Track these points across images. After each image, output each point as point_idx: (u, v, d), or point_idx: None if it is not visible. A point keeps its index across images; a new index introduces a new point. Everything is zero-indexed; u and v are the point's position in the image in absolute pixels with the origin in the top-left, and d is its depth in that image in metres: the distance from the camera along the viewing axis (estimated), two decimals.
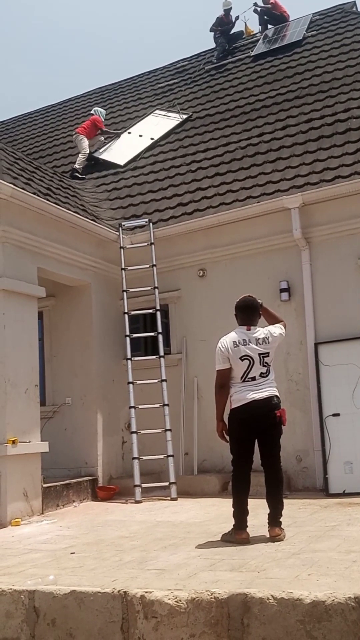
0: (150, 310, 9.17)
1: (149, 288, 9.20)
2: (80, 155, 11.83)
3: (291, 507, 6.48)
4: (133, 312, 9.26)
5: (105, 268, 9.46)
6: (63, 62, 40.29)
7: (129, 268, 9.37)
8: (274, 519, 5.07)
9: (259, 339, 5.17)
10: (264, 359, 5.14)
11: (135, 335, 9.18)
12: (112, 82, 15.92)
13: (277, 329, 5.33)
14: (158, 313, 9.07)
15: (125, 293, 9.26)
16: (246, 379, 5.11)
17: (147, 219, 9.61)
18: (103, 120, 12.57)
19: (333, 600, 3.28)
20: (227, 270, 9.11)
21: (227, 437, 5.22)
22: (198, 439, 8.85)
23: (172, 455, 8.39)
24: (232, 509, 5.12)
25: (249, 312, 5.29)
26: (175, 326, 9.46)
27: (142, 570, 4.31)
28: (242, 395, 5.09)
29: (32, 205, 7.88)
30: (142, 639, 3.56)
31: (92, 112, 12.85)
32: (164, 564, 4.45)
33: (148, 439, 8.57)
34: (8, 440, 7.09)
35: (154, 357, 9.02)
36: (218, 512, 6.75)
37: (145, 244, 9.40)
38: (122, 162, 11.61)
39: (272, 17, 14.60)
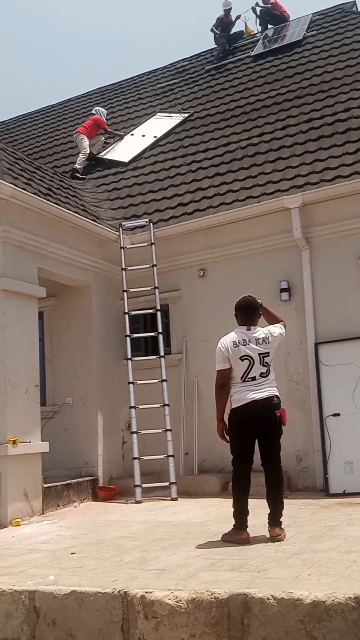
0: (151, 310, 9.17)
1: (149, 288, 9.21)
2: (80, 155, 11.82)
3: (291, 507, 6.48)
4: (133, 312, 9.26)
5: (106, 268, 9.47)
6: (63, 62, 40.35)
7: (129, 268, 9.38)
8: (274, 519, 5.07)
9: (259, 339, 5.17)
10: (264, 359, 5.14)
11: (135, 335, 9.18)
12: (112, 82, 15.91)
13: (277, 329, 5.33)
14: (158, 313, 9.07)
15: (125, 293, 9.26)
16: (246, 379, 5.11)
17: (147, 219, 9.61)
18: (105, 120, 12.58)
19: (333, 600, 3.28)
20: (227, 270, 9.11)
21: (228, 437, 5.22)
22: (198, 439, 8.86)
23: (173, 455, 8.39)
24: (232, 509, 5.12)
25: (248, 312, 5.29)
26: (175, 326, 9.46)
27: (143, 571, 4.31)
28: (242, 395, 5.09)
29: (33, 205, 7.89)
30: (143, 639, 3.56)
31: (93, 111, 12.86)
32: (164, 564, 4.46)
33: (148, 439, 8.57)
34: (8, 441, 7.10)
35: (154, 357, 9.02)
36: (218, 512, 6.75)
37: (146, 244, 9.40)
38: (126, 160, 11.62)
39: (272, 17, 14.61)
